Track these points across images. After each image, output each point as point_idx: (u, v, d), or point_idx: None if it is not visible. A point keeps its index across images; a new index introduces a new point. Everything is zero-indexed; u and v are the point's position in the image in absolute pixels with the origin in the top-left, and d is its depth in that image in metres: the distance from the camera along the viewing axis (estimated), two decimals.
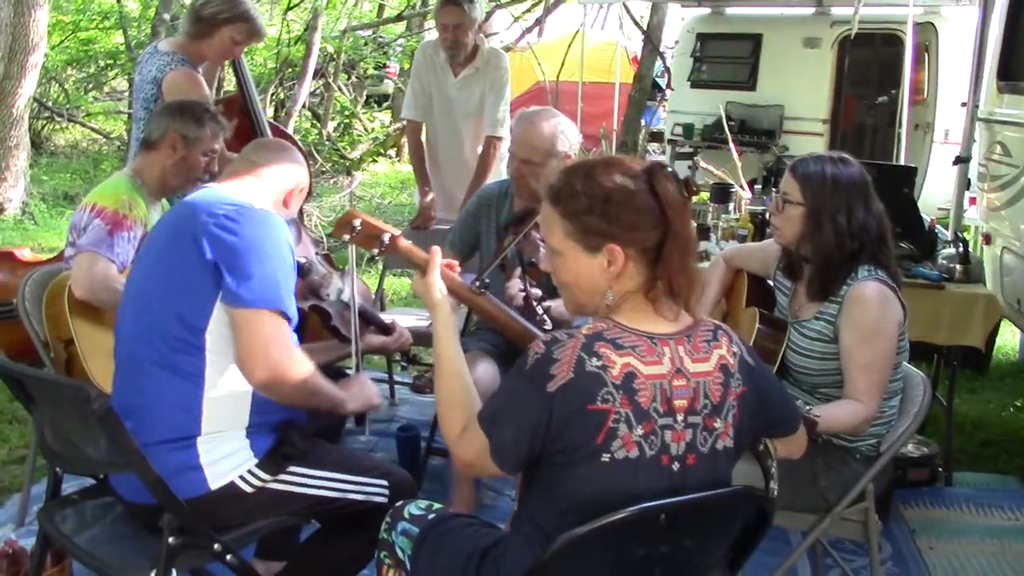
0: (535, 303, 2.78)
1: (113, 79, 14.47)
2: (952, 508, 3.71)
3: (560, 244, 1.82)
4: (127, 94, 14.26)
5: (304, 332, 2.58)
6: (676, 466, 1.72)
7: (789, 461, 2.25)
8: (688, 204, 1.82)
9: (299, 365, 2.18)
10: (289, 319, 2.19)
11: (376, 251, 2.26)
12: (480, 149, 4.51)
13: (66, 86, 13.15)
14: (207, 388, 2.16)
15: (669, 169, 1.82)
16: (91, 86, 13.99)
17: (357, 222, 2.22)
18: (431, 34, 14.28)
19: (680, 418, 1.72)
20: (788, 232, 2.62)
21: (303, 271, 2.51)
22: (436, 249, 2.12)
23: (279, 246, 2.22)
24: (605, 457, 1.68)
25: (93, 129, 12.86)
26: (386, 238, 2.23)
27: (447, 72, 4.52)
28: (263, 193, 2.39)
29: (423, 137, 4.69)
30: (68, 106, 12.41)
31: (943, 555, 3.34)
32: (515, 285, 2.93)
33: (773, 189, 6.04)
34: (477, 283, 2.21)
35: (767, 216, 4.26)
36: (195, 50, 3.74)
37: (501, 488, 3.67)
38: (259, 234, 2.19)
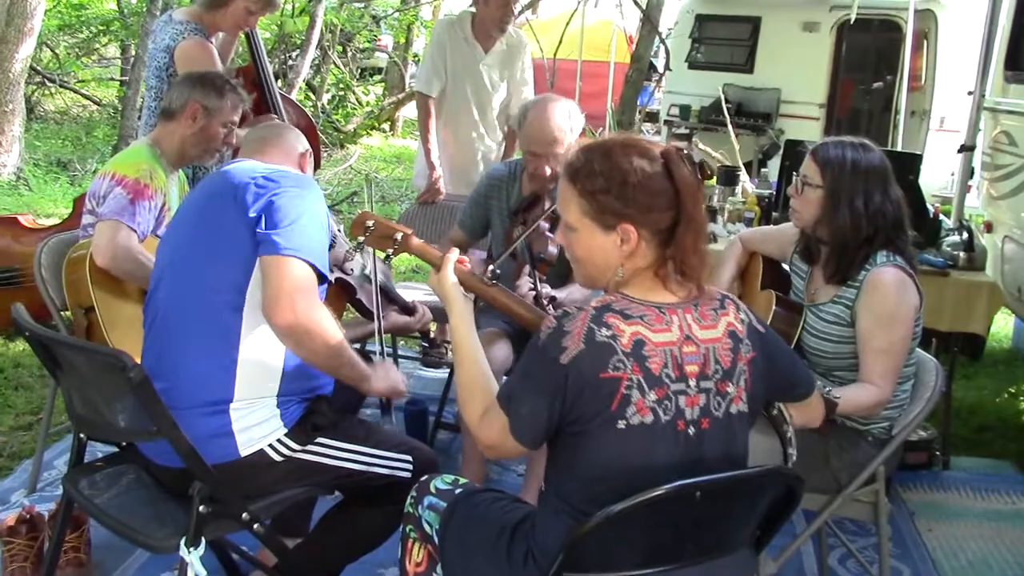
0: (545, 302, 2.82)
1: (105, 46, 14.32)
2: (950, 491, 3.78)
3: (575, 220, 1.86)
4: (119, 61, 14.14)
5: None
6: (692, 431, 1.77)
7: (802, 442, 2.29)
8: (702, 187, 1.87)
9: (324, 318, 2.20)
10: (321, 275, 2.22)
11: (390, 250, 2.32)
12: (492, 124, 4.56)
13: (58, 51, 13.00)
14: (242, 353, 2.18)
15: (685, 152, 1.86)
16: (82, 52, 13.84)
17: (371, 223, 2.30)
18: (425, 8, 14.24)
19: (692, 383, 1.77)
20: (806, 214, 2.65)
21: (330, 243, 2.54)
22: (454, 249, 2.19)
23: (316, 206, 2.26)
24: (621, 424, 1.73)
25: (85, 96, 12.73)
26: (399, 237, 2.30)
27: (475, 48, 4.49)
28: (282, 163, 2.44)
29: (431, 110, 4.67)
30: (60, 72, 12.27)
31: (942, 537, 3.40)
32: (525, 284, 2.98)
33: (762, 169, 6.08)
34: (488, 275, 2.26)
35: (770, 200, 4.31)
36: (210, 20, 3.72)
37: (508, 464, 3.71)
38: (297, 192, 2.24)
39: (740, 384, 1.82)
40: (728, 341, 1.82)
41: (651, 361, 1.74)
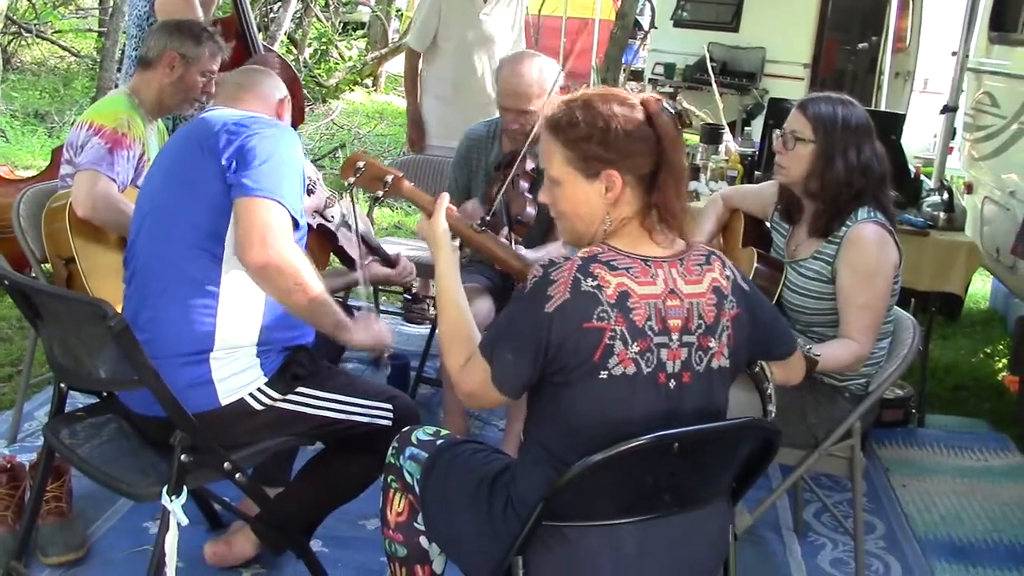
0: None
1: None
2: (924, 448, 3.83)
3: (559, 172, 1.88)
4: (97, 12, 13.90)
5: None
6: (672, 384, 1.79)
7: (780, 398, 2.32)
8: (681, 136, 1.90)
9: (298, 258, 2.16)
10: (293, 218, 2.20)
11: (380, 192, 2.32)
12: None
13: (34, 1, 12.76)
14: (221, 302, 2.18)
15: (662, 101, 1.90)
16: (59, 2, 13.60)
17: (361, 163, 2.30)
18: None
19: (675, 337, 1.79)
20: (795, 170, 2.64)
21: (308, 189, 2.53)
22: (445, 194, 2.18)
23: (289, 150, 2.25)
24: (603, 374, 1.74)
25: (63, 47, 12.53)
26: (389, 179, 2.30)
27: (475, 1, 4.48)
28: (258, 110, 2.42)
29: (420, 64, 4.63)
30: (36, 22, 12.05)
31: (916, 493, 3.45)
32: None
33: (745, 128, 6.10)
34: (478, 223, 2.26)
35: (753, 159, 4.31)
36: None
37: (489, 418, 3.73)
38: (269, 137, 2.23)
39: (722, 339, 1.84)
40: (712, 297, 1.83)
41: (635, 313, 1.76)
